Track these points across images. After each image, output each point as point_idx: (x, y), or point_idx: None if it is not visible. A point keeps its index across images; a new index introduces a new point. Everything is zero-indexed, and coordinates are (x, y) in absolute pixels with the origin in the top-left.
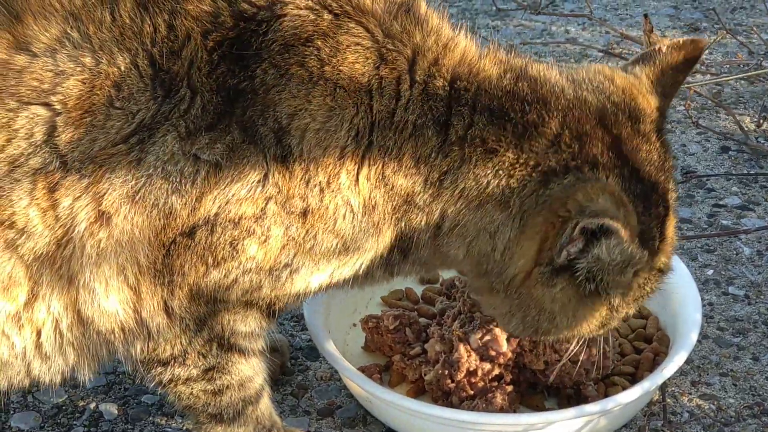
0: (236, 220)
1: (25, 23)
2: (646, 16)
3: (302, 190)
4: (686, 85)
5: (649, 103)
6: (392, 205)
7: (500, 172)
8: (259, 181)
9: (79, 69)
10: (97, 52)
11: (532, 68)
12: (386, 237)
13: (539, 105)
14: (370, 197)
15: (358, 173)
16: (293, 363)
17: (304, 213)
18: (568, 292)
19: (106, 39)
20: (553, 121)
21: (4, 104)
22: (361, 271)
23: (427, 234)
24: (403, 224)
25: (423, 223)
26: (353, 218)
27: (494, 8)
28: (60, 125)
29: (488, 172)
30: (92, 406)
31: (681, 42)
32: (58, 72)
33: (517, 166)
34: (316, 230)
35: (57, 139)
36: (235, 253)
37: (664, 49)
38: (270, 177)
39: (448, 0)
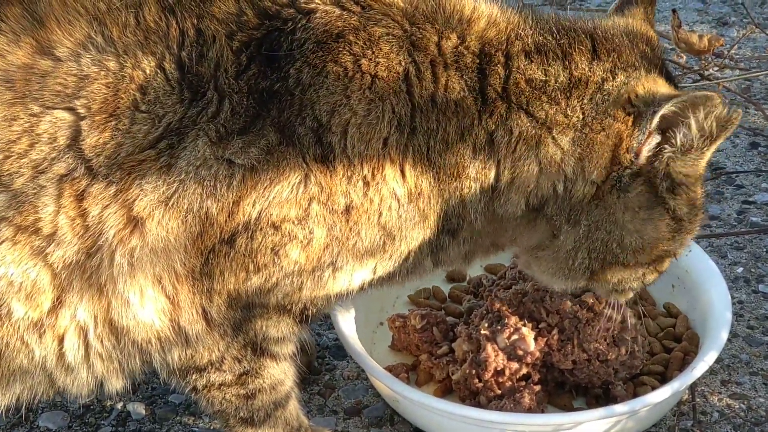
0: (278, 224)
1: (49, 28)
2: (674, 11)
3: (344, 186)
4: (715, 81)
5: (650, 31)
6: (439, 187)
7: (556, 97)
8: (300, 182)
9: (103, 73)
10: (121, 55)
11: (548, 14)
12: (431, 222)
13: (568, 31)
14: (415, 185)
15: (402, 162)
16: (320, 362)
17: (347, 209)
18: (642, 196)
19: (130, 43)
20: (585, 40)
21: (27, 109)
22: (408, 262)
23: (482, 202)
24: (452, 202)
25: (477, 191)
26: (399, 208)
27: (520, 4)
28: (84, 129)
29: (543, 104)
30: (120, 405)
31: None
32: (82, 76)
33: (570, 85)
34: (359, 226)
35: (82, 143)
36: (276, 259)
37: None
38: (312, 177)
39: None
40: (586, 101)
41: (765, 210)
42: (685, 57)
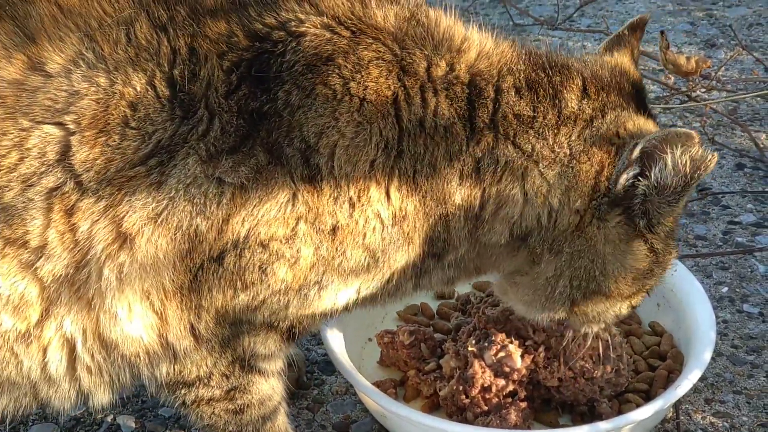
0: (266, 243)
1: (40, 44)
2: (662, 32)
3: (331, 207)
4: (702, 102)
5: (635, 71)
6: (425, 211)
7: (544, 133)
8: (288, 201)
9: (93, 89)
10: (112, 72)
11: (542, 48)
12: (416, 245)
13: (561, 68)
14: (400, 208)
15: (388, 184)
16: (309, 377)
17: (334, 230)
18: (620, 228)
19: (121, 59)
20: (576, 78)
21: (17, 124)
22: (391, 284)
23: (467, 228)
24: (438, 227)
25: (462, 218)
26: (383, 230)
27: (511, 23)
28: (74, 144)
29: (530, 137)
30: (110, 418)
31: (635, 21)
32: (73, 92)
33: (559, 121)
34: (345, 246)
35: (72, 158)
36: (264, 277)
37: (626, 32)
38: (299, 196)
39: (464, 16)
40: (574, 138)
41: (750, 230)
42: (672, 78)
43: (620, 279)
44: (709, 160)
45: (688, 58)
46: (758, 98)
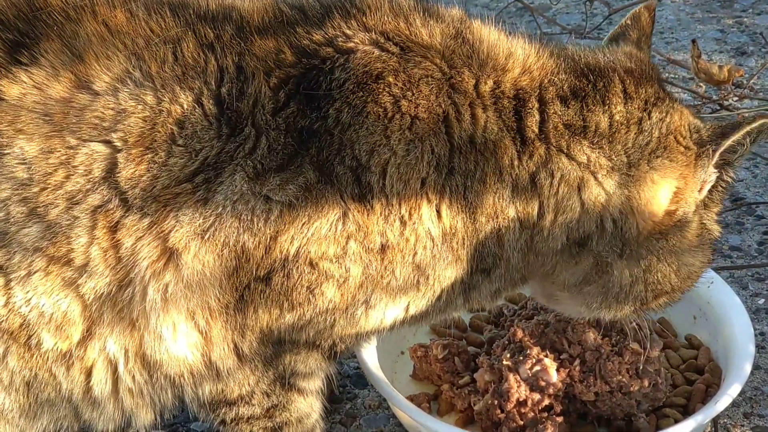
0: (315, 262)
1: (88, 63)
2: (694, 41)
3: (381, 225)
4: (735, 111)
5: (647, 55)
6: (474, 227)
7: (599, 142)
8: (339, 219)
9: (140, 107)
10: (159, 90)
11: (574, 50)
12: (465, 262)
13: (598, 72)
14: (450, 225)
15: (439, 202)
16: (342, 391)
17: (383, 248)
18: (696, 228)
19: (168, 78)
20: (615, 79)
21: (64, 142)
22: (441, 301)
23: (523, 238)
24: (489, 242)
25: (517, 229)
26: (433, 248)
27: (538, 32)
28: (121, 162)
29: (585, 148)
30: None
31: (637, 12)
32: (120, 110)
33: (611, 127)
34: (394, 265)
35: (118, 176)
36: (312, 297)
37: (629, 22)
38: (350, 215)
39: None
40: (630, 144)
41: None
42: (704, 87)
43: (688, 276)
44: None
45: (720, 67)
46: None
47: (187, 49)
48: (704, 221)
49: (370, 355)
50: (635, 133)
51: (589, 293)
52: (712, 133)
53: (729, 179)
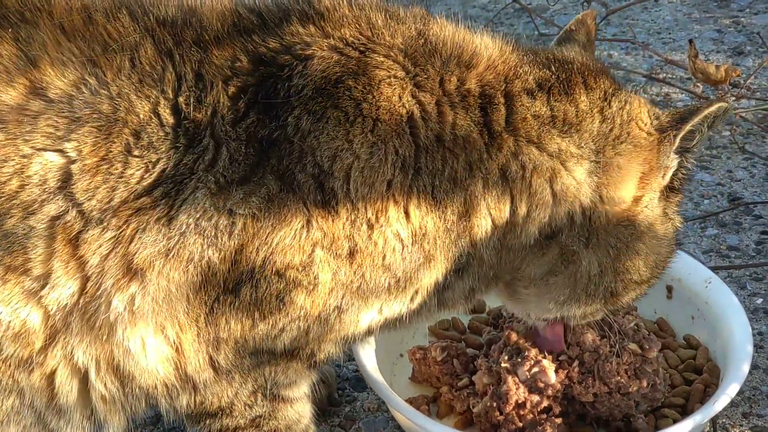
0: (282, 271)
1: (42, 68)
2: (691, 41)
3: (348, 230)
4: (732, 111)
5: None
6: (445, 226)
7: (568, 131)
8: (302, 227)
9: (95, 116)
10: (114, 99)
11: (532, 45)
12: (438, 262)
13: (559, 65)
14: (420, 225)
15: (407, 203)
16: (340, 394)
17: (351, 253)
18: (661, 208)
19: (124, 85)
20: (574, 69)
21: (18, 150)
22: (414, 303)
23: (495, 236)
24: (461, 241)
25: (489, 227)
26: (403, 250)
27: (536, 33)
28: (76, 173)
29: (555, 137)
30: None
31: (580, 17)
32: (74, 119)
33: (578, 116)
34: (364, 269)
35: (73, 187)
36: (282, 306)
37: (573, 27)
38: (313, 222)
39: (489, 25)
40: (595, 132)
41: None
42: (701, 87)
43: (660, 263)
44: (726, 107)
45: (717, 67)
46: None
47: (144, 56)
48: (666, 210)
49: (368, 358)
50: (599, 122)
51: (555, 285)
52: (671, 118)
53: (689, 165)
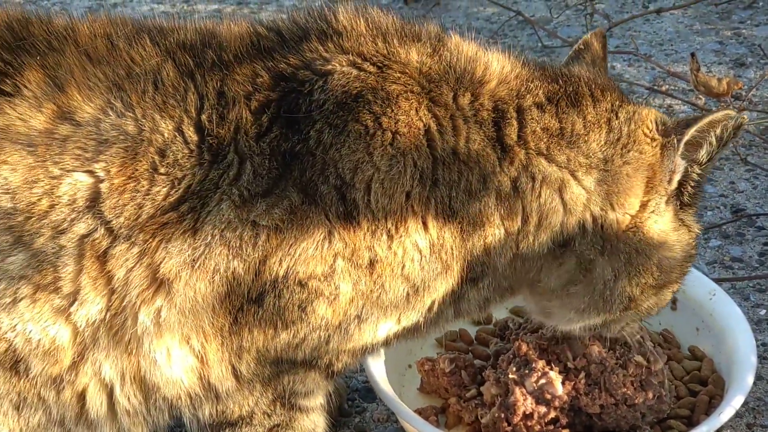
0: (304, 282)
1: (70, 93)
2: (693, 54)
3: (368, 241)
4: (745, 128)
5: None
6: (462, 237)
7: (576, 142)
8: (324, 239)
9: (122, 137)
10: (139, 120)
11: (540, 60)
12: (455, 271)
13: (567, 78)
14: (438, 236)
15: (425, 214)
16: (350, 404)
17: (372, 263)
18: (673, 214)
19: (148, 107)
20: (582, 83)
21: (48, 172)
22: (432, 313)
23: (508, 245)
24: (476, 251)
25: (503, 236)
26: (421, 260)
27: (540, 45)
28: (104, 192)
29: (564, 148)
30: None
31: (588, 38)
32: (102, 141)
33: (586, 128)
34: (384, 279)
35: (101, 205)
36: (304, 315)
37: (582, 47)
38: (335, 233)
39: (494, 37)
40: (603, 141)
41: None
42: (703, 99)
43: (674, 266)
44: (735, 116)
45: (719, 80)
46: None
47: (167, 78)
48: (681, 217)
49: (378, 369)
50: (606, 131)
51: (576, 294)
52: (676, 124)
53: (696, 177)
